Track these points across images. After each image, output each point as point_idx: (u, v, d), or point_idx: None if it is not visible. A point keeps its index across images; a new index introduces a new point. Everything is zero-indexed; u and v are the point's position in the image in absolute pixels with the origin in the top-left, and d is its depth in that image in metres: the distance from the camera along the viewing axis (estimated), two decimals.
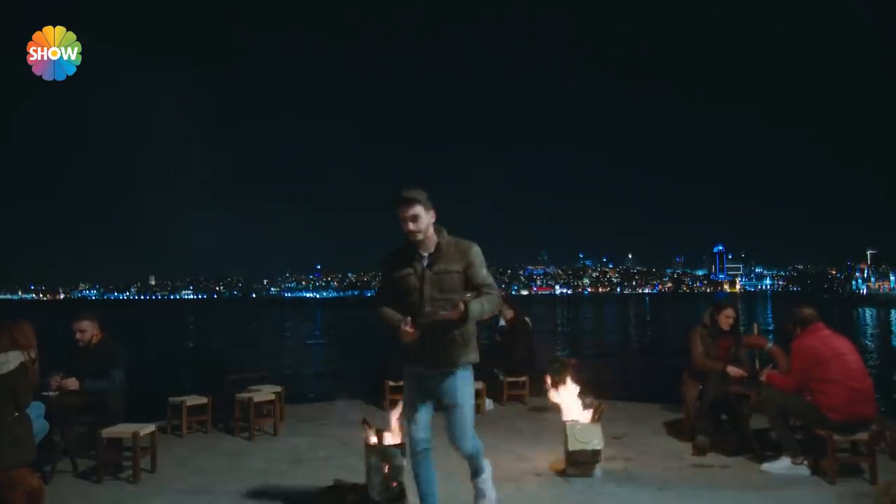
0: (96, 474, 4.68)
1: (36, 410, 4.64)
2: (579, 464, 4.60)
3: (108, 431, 4.79)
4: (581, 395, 4.95)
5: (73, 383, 5.05)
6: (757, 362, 5.90)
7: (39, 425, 4.62)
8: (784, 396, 4.70)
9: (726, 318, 5.72)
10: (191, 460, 5.27)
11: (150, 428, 4.92)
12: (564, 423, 4.70)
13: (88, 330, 5.39)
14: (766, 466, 4.73)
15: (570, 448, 4.59)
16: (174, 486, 4.59)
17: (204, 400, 6.31)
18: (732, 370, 5.43)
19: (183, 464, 5.16)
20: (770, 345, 5.77)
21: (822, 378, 4.48)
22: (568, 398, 4.94)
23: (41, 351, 4.26)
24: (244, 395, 6.15)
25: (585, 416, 4.75)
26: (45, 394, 4.86)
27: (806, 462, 4.62)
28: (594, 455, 4.59)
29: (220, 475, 4.85)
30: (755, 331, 6.55)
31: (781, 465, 4.66)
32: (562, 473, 4.67)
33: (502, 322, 7.86)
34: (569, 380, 5.10)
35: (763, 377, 5.07)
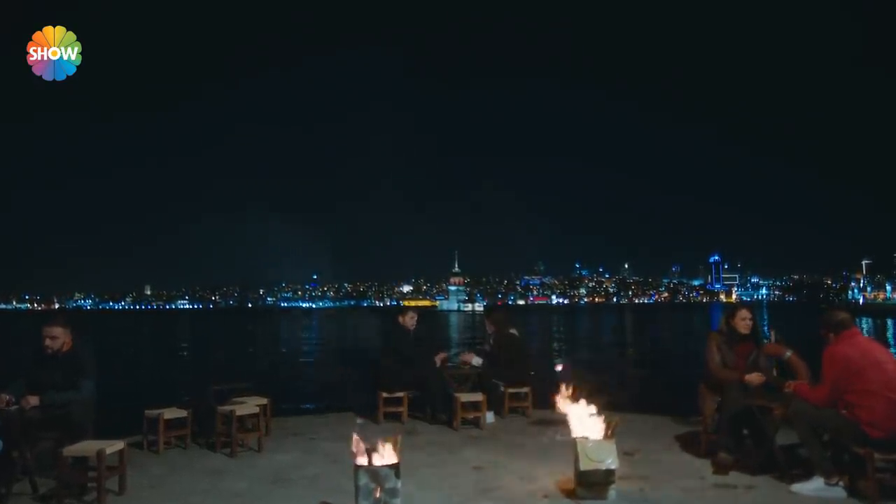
0: (57, 497, 4.22)
1: None
2: (591, 485, 4.17)
3: (71, 449, 4.33)
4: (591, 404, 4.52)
5: (33, 401, 4.57)
6: (775, 371, 5.48)
7: None
8: (815, 410, 4.27)
9: (742, 319, 5.30)
10: (164, 480, 4.81)
11: (119, 445, 4.47)
12: (574, 439, 4.27)
13: (60, 337, 4.90)
14: (796, 487, 4.28)
15: (582, 467, 4.15)
16: None
17: (183, 413, 5.86)
18: (750, 378, 5.01)
19: (155, 484, 4.70)
20: (790, 353, 5.37)
21: (860, 390, 4.05)
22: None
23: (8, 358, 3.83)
24: (226, 408, 5.70)
25: (597, 431, 4.32)
26: (2, 408, 4.40)
27: (841, 483, 4.18)
28: (608, 475, 4.15)
29: (195, 497, 4.40)
30: (773, 338, 6.12)
31: (814, 486, 4.20)
32: (571, 495, 4.24)
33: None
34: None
35: (790, 388, 4.63)
